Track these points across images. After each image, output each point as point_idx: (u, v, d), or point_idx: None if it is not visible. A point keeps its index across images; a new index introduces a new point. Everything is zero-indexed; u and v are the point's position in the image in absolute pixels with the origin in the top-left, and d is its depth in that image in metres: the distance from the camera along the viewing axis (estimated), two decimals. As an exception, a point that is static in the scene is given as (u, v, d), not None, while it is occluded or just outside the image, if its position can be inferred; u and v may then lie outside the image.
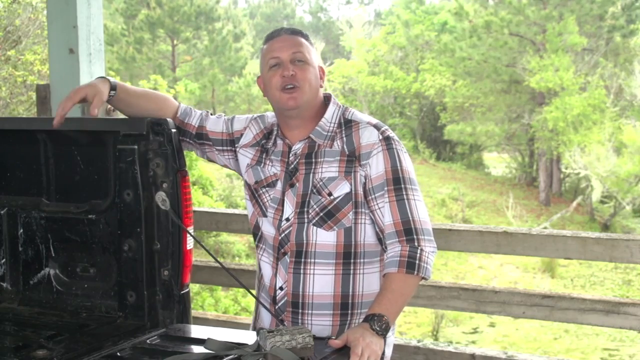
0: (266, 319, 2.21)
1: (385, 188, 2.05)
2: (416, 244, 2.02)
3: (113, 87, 2.15)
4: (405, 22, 26.51)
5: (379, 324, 1.91)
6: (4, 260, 2.42)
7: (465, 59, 22.17)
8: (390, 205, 2.04)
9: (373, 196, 2.06)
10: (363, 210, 2.08)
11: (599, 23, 21.75)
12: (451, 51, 22.76)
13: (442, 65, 23.82)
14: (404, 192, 2.05)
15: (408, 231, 2.03)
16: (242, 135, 2.26)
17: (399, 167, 2.06)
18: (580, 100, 19.59)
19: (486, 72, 22.20)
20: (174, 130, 2.18)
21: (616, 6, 22.08)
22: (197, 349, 1.90)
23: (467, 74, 22.74)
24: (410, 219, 2.03)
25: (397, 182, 2.05)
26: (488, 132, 23.19)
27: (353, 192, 2.07)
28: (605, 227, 18.71)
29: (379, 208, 2.05)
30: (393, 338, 2.24)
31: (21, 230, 2.39)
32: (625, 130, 19.93)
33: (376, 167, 2.06)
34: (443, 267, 14.89)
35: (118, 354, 1.92)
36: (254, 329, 2.26)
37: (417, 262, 1.99)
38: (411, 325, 11.60)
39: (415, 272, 1.99)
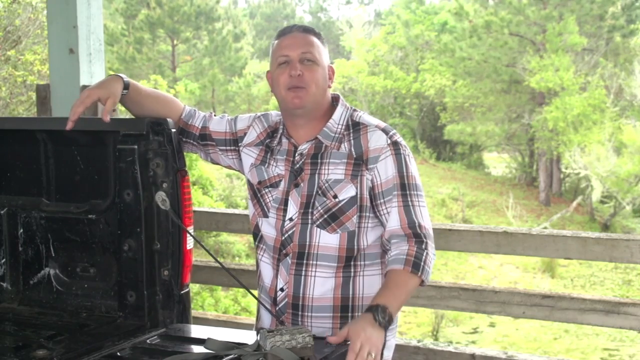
0: (266, 319, 2.21)
1: (394, 193, 2.05)
2: (423, 246, 2.02)
3: (126, 86, 2.15)
4: (405, 22, 26.50)
5: (383, 315, 1.88)
6: (4, 260, 2.42)
7: (465, 59, 22.17)
8: (397, 210, 2.04)
9: (382, 200, 2.06)
10: (367, 214, 2.08)
11: (599, 23, 21.75)
12: (451, 51, 22.75)
13: (442, 65, 23.81)
14: (409, 199, 2.05)
15: (416, 234, 2.03)
16: (245, 134, 2.25)
17: (405, 173, 2.06)
18: (580, 100, 19.58)
19: (486, 72, 22.19)
20: (173, 130, 2.17)
21: (616, 6, 22.08)
22: (197, 349, 1.90)
23: (467, 74, 22.73)
24: (417, 223, 2.04)
25: (404, 188, 2.05)
26: (488, 132, 23.18)
27: (359, 196, 2.06)
28: (605, 227, 18.71)
29: (387, 212, 2.05)
30: (394, 341, 2.23)
31: (21, 230, 2.39)
32: (625, 130, 19.93)
33: (385, 172, 2.06)
34: (443, 267, 14.89)
35: (118, 354, 1.92)
36: (256, 329, 2.26)
37: (422, 264, 1.99)
38: (411, 325, 11.60)
39: (419, 273, 1.98)
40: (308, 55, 2.09)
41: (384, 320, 1.88)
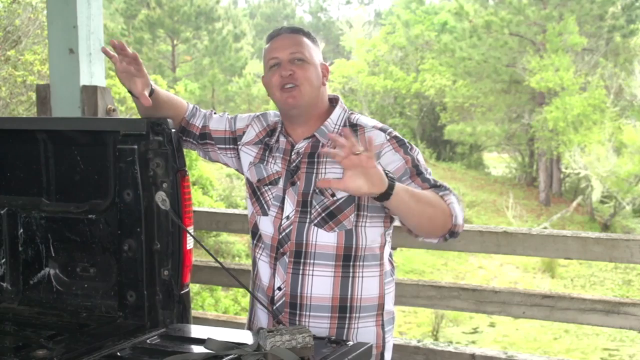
0: (263, 319, 2.21)
1: (408, 174, 2.04)
2: (448, 191, 2.02)
3: (150, 93, 2.16)
4: (405, 22, 26.51)
5: (390, 174, 1.87)
6: (4, 260, 2.42)
7: (465, 59, 22.18)
8: (414, 180, 2.04)
9: None
10: (365, 213, 2.08)
11: (599, 23, 21.77)
12: (451, 51, 22.76)
13: (442, 65, 23.82)
14: (423, 172, 2.06)
15: (438, 186, 2.04)
16: (244, 133, 2.26)
17: (415, 157, 2.07)
18: (580, 100, 19.60)
19: (486, 72, 22.20)
20: (173, 130, 2.17)
21: (616, 6, 22.10)
22: (197, 349, 1.90)
23: (467, 74, 22.74)
24: (437, 184, 2.05)
25: (417, 168, 2.06)
26: (488, 132, 23.21)
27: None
28: (605, 227, 18.72)
29: None
30: (392, 342, 2.24)
31: (21, 230, 2.39)
32: (625, 130, 19.95)
33: (392, 162, 2.05)
34: (443, 267, 14.90)
35: (118, 354, 1.92)
36: (249, 328, 2.26)
37: (443, 191, 2.00)
38: (411, 325, 11.60)
39: (440, 194, 1.98)
40: (297, 55, 2.10)
41: (392, 175, 1.87)
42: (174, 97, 2.33)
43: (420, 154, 2.12)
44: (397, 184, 1.87)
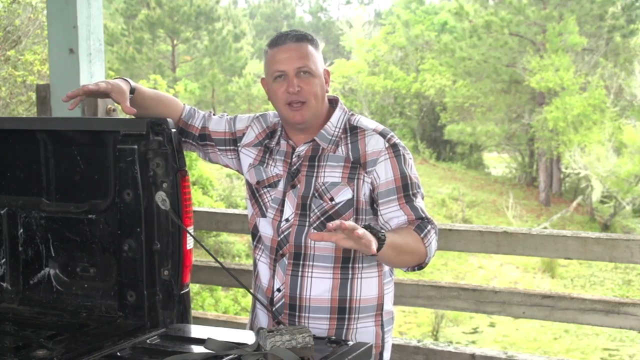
0: (263, 320, 2.21)
1: (396, 195, 2.06)
2: (426, 222, 2.07)
3: (132, 91, 2.15)
4: (405, 22, 26.50)
5: (382, 235, 1.89)
6: (4, 260, 2.42)
7: (465, 59, 22.16)
8: (402, 207, 2.07)
9: (384, 200, 2.07)
10: (363, 217, 2.09)
11: (599, 23, 21.76)
12: (451, 51, 22.75)
13: (442, 65, 23.81)
14: (411, 197, 2.08)
15: (420, 218, 2.07)
16: (244, 134, 2.26)
17: (407, 174, 2.09)
18: (580, 100, 19.59)
19: (486, 72, 22.19)
20: (173, 130, 2.17)
21: (616, 6, 22.09)
22: (197, 349, 1.90)
23: (467, 74, 22.73)
24: (423, 216, 2.08)
25: (406, 189, 2.08)
26: (488, 132, 23.19)
27: (355, 198, 2.07)
28: (605, 227, 18.71)
29: (391, 212, 2.07)
30: (391, 342, 2.24)
31: (21, 230, 2.39)
32: (625, 130, 19.94)
33: (385, 173, 2.07)
34: (443, 267, 14.88)
35: (118, 354, 1.92)
36: (250, 329, 2.27)
37: (425, 230, 2.03)
38: (411, 325, 11.59)
39: (422, 235, 2.02)
40: (304, 69, 2.08)
41: (383, 237, 1.89)
42: (164, 95, 2.32)
43: (414, 167, 2.13)
44: (385, 245, 1.89)
